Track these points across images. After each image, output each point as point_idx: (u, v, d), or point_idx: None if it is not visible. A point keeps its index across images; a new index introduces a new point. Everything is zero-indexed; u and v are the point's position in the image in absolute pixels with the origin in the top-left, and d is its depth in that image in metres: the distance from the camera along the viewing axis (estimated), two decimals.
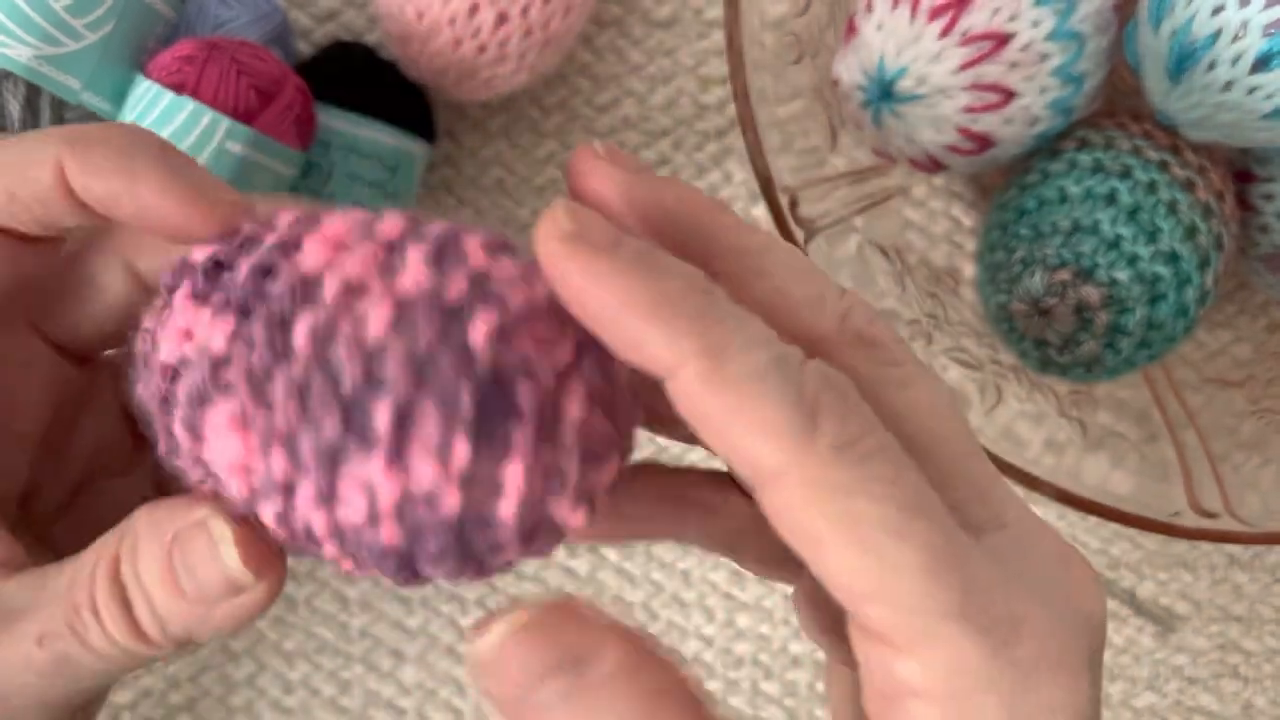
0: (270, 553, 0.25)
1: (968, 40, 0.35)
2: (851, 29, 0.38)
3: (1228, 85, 0.33)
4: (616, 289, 0.20)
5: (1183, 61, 0.34)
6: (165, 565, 0.24)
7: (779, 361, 0.20)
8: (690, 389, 0.19)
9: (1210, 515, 0.36)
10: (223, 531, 0.24)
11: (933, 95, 0.36)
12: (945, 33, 0.35)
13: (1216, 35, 0.33)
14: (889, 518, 0.19)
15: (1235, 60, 0.33)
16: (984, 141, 0.37)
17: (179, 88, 0.36)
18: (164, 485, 0.31)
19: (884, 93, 0.37)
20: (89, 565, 0.25)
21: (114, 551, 0.25)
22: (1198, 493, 0.37)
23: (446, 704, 0.44)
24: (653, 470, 0.26)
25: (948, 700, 0.19)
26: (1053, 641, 0.20)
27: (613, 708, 0.19)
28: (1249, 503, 0.37)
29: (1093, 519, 0.44)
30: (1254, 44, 0.33)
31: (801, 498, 0.19)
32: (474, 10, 0.39)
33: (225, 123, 0.35)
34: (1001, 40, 0.35)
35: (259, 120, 0.36)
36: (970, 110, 0.36)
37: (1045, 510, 0.44)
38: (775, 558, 0.25)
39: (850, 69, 0.37)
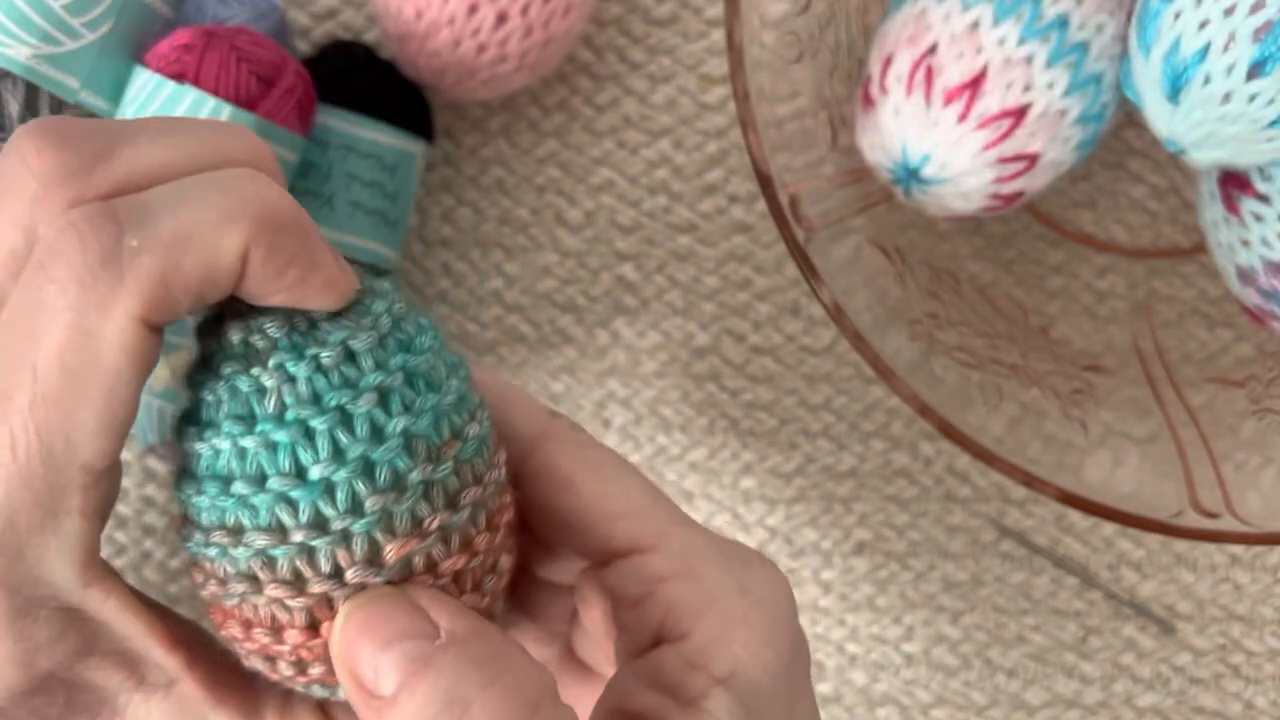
0: None
1: (986, 122, 0.36)
2: (868, 100, 0.38)
3: (1226, 97, 0.33)
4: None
5: (1177, 81, 0.34)
6: None
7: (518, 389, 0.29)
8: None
9: (1212, 515, 0.36)
10: None
11: (958, 177, 0.37)
12: (963, 117, 0.36)
13: (1206, 49, 0.33)
14: (616, 461, 0.28)
15: (1229, 70, 0.33)
16: (1015, 196, 0.38)
17: (179, 77, 0.36)
18: None
19: (910, 175, 0.37)
20: None
21: None
22: (1199, 493, 0.37)
23: None
24: None
25: (686, 575, 0.26)
26: (753, 550, 0.28)
27: (454, 671, 0.22)
28: (1250, 503, 0.37)
29: (1094, 518, 0.44)
30: (1245, 52, 0.33)
31: (558, 450, 0.27)
32: (473, 9, 0.39)
33: (227, 110, 0.35)
34: (1020, 114, 0.36)
35: (261, 107, 0.36)
36: (998, 180, 0.37)
37: (1046, 509, 0.44)
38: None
39: (874, 150, 0.38)
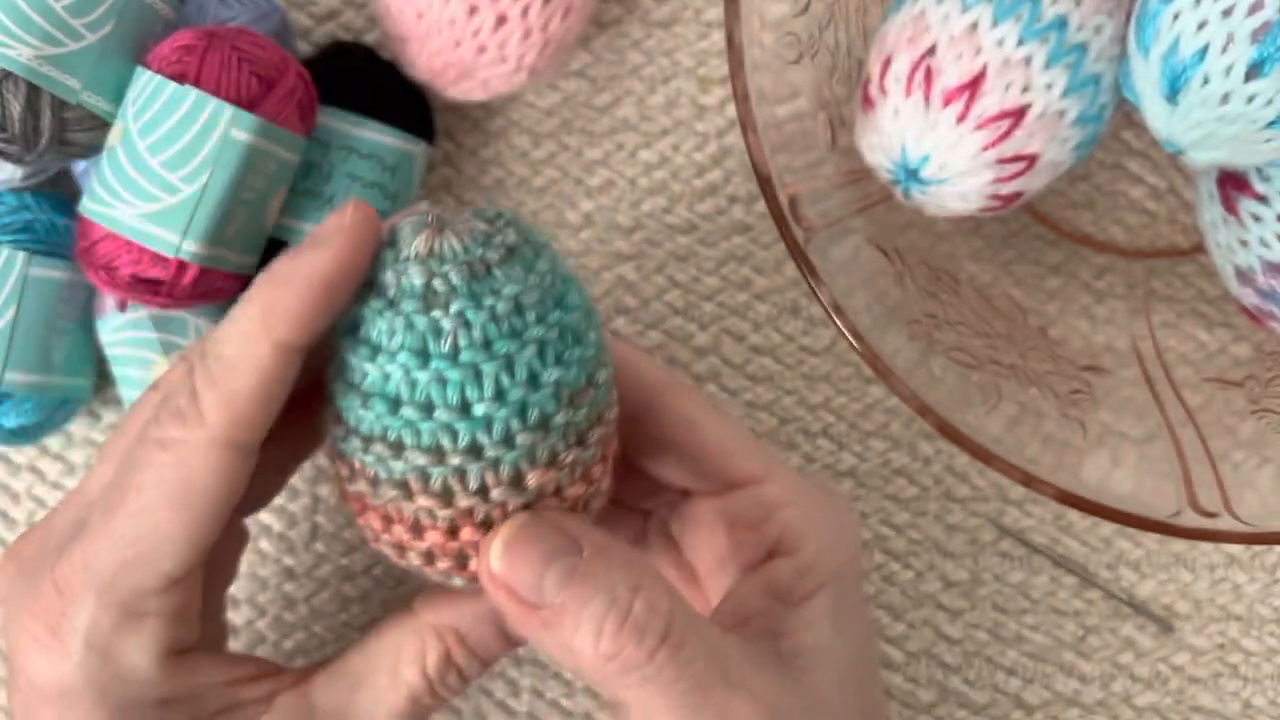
0: None
1: (985, 123, 0.36)
2: (867, 101, 0.38)
3: (1225, 98, 0.33)
4: None
5: (1176, 82, 0.34)
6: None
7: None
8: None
9: (1210, 515, 0.36)
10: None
11: (957, 178, 0.37)
12: (962, 118, 0.36)
13: (1205, 50, 0.33)
14: (724, 409, 0.32)
15: (1228, 71, 0.33)
16: (1014, 197, 0.38)
17: (181, 78, 0.36)
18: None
19: (910, 175, 0.38)
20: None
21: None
22: (1197, 492, 0.37)
23: (446, 703, 0.44)
24: None
25: (795, 502, 0.32)
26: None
27: (608, 578, 0.26)
28: (1248, 502, 0.37)
29: (1092, 518, 0.44)
30: (1244, 52, 0.33)
31: (682, 396, 0.32)
32: (473, 11, 0.39)
33: (229, 111, 0.36)
34: (1019, 115, 0.36)
35: (262, 107, 0.36)
36: (997, 181, 0.37)
37: (1045, 509, 0.44)
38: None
39: (873, 150, 0.38)
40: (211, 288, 0.37)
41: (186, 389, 0.27)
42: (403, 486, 0.27)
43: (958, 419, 0.36)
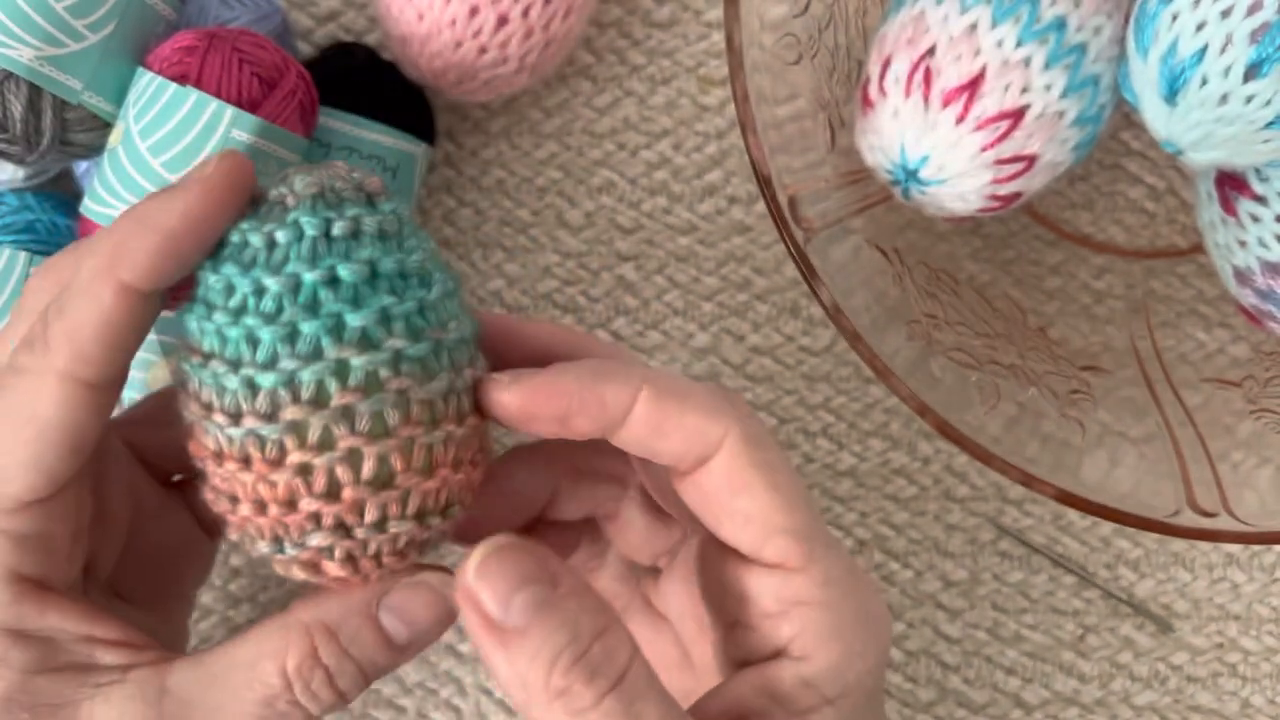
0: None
1: (984, 124, 0.36)
2: (867, 102, 0.38)
3: (1224, 98, 0.34)
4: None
5: (1174, 83, 0.34)
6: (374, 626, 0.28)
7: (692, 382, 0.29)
8: (645, 408, 0.28)
9: (1208, 515, 0.37)
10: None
11: (956, 178, 0.37)
12: (961, 119, 0.36)
13: (1203, 51, 0.33)
14: (787, 468, 0.29)
15: (1226, 72, 0.33)
16: (1013, 197, 0.38)
17: (182, 79, 0.36)
18: (202, 516, 0.34)
19: (909, 175, 0.38)
20: (266, 654, 0.28)
21: (304, 638, 0.28)
22: (1196, 492, 0.37)
23: (447, 703, 0.44)
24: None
25: (824, 605, 0.28)
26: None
27: (576, 615, 0.26)
28: (1247, 502, 0.37)
29: (1091, 518, 0.44)
30: (1242, 53, 0.33)
31: (737, 452, 0.28)
32: (474, 12, 0.39)
33: (230, 112, 0.36)
34: (1018, 115, 0.36)
35: (262, 109, 0.36)
36: (996, 181, 0.37)
37: (1044, 508, 0.44)
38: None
39: (872, 151, 0.38)
40: None
41: (42, 317, 0.28)
42: (233, 412, 0.27)
43: (957, 419, 0.36)
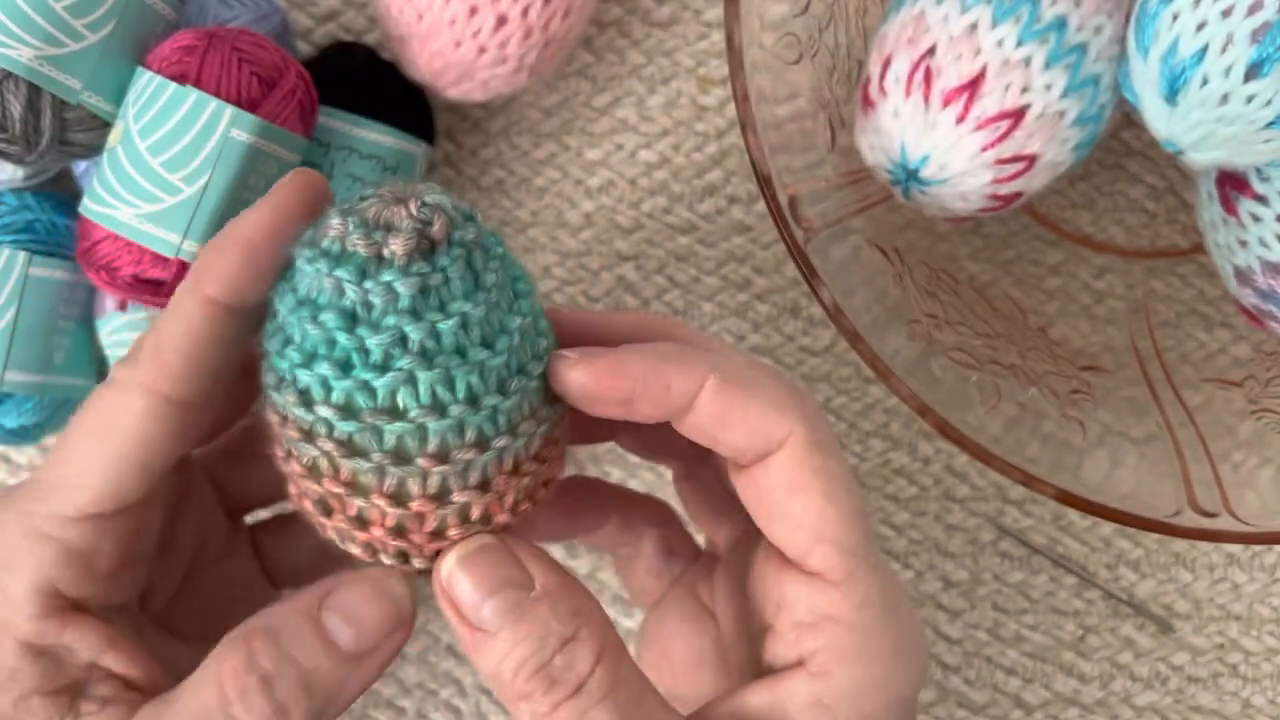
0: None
1: (984, 124, 0.36)
2: (867, 101, 0.38)
3: (1224, 98, 0.33)
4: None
5: (1175, 83, 0.34)
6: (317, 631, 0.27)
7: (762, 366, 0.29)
8: (710, 397, 0.27)
9: (1209, 515, 0.37)
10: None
11: (957, 178, 0.37)
12: (961, 119, 0.36)
13: (1204, 50, 0.33)
14: (846, 479, 0.28)
15: (1227, 71, 0.33)
16: (1013, 197, 0.38)
17: (181, 78, 0.36)
18: (266, 563, 0.35)
19: (909, 175, 0.38)
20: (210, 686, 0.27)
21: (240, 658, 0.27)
22: (1197, 492, 0.37)
23: (446, 704, 0.44)
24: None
25: (856, 626, 0.27)
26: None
27: (545, 623, 0.26)
28: (1248, 502, 0.37)
29: (1092, 518, 0.44)
30: (1243, 53, 0.33)
31: (799, 454, 0.27)
32: (474, 11, 0.39)
33: (230, 111, 0.36)
34: (1018, 115, 0.36)
35: (262, 108, 0.36)
36: (997, 181, 0.37)
37: (1044, 509, 0.44)
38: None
39: (873, 150, 0.38)
40: None
41: (143, 334, 0.28)
42: (309, 437, 0.26)
43: (957, 419, 0.36)
